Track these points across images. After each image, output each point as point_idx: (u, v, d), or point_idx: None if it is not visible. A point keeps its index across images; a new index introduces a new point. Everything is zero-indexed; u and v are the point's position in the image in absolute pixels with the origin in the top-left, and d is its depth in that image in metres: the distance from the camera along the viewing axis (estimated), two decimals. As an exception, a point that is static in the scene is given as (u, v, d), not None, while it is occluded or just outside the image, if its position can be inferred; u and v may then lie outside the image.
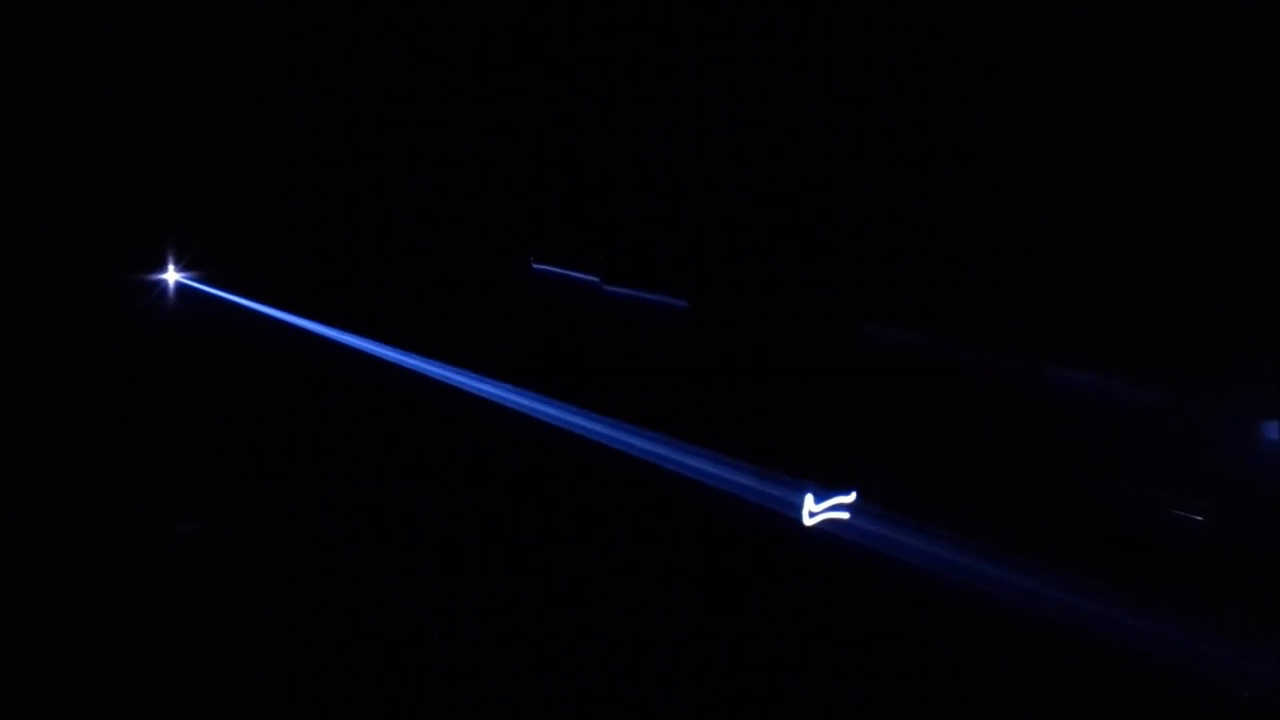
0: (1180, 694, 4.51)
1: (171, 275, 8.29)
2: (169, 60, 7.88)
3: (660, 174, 7.59)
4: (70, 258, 7.84)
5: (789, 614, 5.32)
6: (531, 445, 7.08)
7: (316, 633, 5.44)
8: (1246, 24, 4.93)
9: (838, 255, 6.86)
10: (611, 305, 7.86)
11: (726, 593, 5.58)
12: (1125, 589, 4.82)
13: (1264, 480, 4.92)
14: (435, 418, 7.51)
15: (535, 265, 8.22)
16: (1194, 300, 5.04)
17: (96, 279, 8.00)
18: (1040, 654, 4.75)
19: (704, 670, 5.08)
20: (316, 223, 8.29)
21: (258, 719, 4.93)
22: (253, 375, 7.95)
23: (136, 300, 8.19)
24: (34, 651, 5.26)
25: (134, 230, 8.15)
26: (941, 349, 6.20)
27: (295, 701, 4.97)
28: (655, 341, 7.59)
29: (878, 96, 6.58)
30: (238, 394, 7.77)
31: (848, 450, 6.19)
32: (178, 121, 7.97)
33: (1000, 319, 5.89)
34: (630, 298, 7.79)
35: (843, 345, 6.78)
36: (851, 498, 5.91)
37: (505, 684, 5.02)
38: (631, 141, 7.66)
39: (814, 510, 5.91)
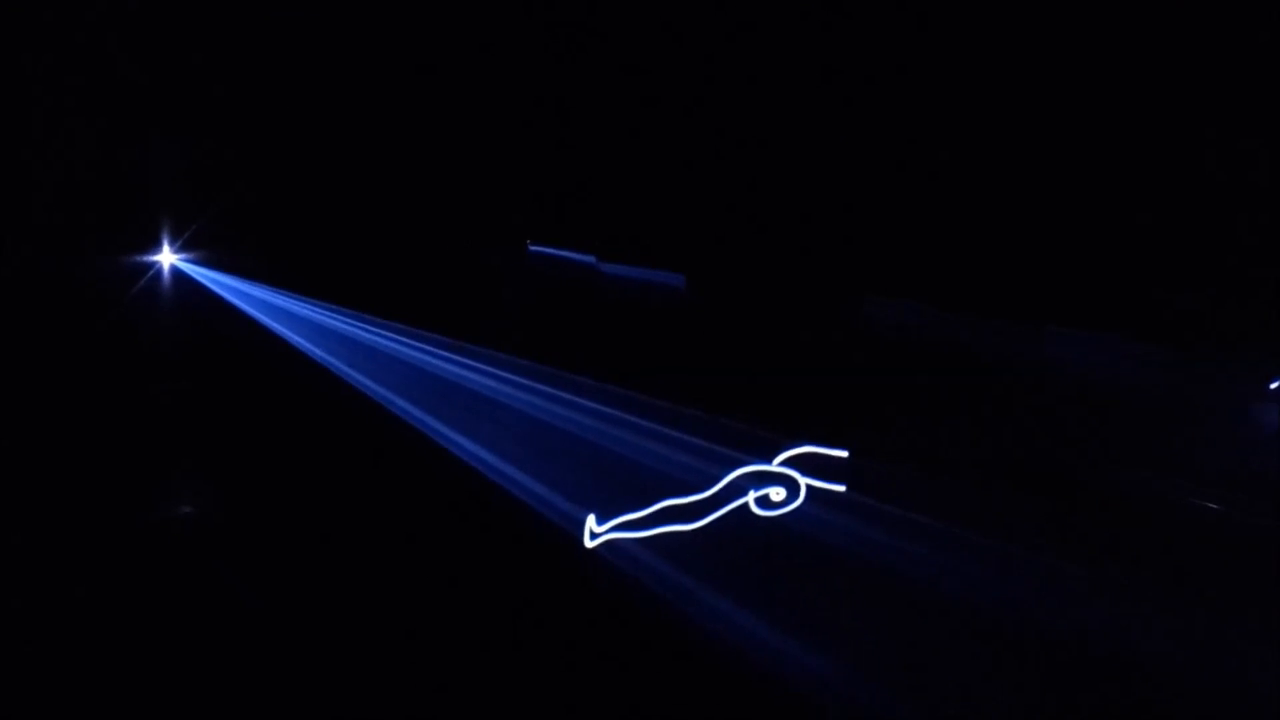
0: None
1: (167, 257, 7.71)
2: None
3: (654, 152, 7.83)
4: (52, 236, 7.27)
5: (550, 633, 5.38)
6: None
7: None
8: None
9: (834, 232, 7.14)
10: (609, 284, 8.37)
11: (491, 608, 5.59)
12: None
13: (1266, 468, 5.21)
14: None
15: (531, 246, 8.62)
16: (1197, 280, 5.55)
17: (80, 261, 7.39)
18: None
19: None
20: (313, 207, 8.28)
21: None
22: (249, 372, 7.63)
23: (124, 288, 7.56)
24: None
25: (126, 203, 7.59)
26: (940, 327, 6.61)
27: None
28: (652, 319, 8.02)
29: (867, 69, 6.83)
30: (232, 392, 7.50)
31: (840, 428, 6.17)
32: (180, 79, 7.55)
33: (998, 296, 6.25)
34: (628, 276, 8.33)
35: (841, 321, 7.14)
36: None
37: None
38: (623, 119, 7.88)
39: (596, 532, 5.81)
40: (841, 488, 5.79)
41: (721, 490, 5.83)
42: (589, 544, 5.76)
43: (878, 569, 5.58)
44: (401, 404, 7.34)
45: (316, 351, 7.84)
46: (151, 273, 7.71)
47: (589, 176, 8.23)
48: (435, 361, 7.77)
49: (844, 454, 5.86)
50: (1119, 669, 4.94)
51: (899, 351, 6.84)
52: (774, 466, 5.81)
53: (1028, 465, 5.85)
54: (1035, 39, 6.12)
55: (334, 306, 8.13)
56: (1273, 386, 5.39)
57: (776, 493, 5.79)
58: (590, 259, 8.39)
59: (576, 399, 7.11)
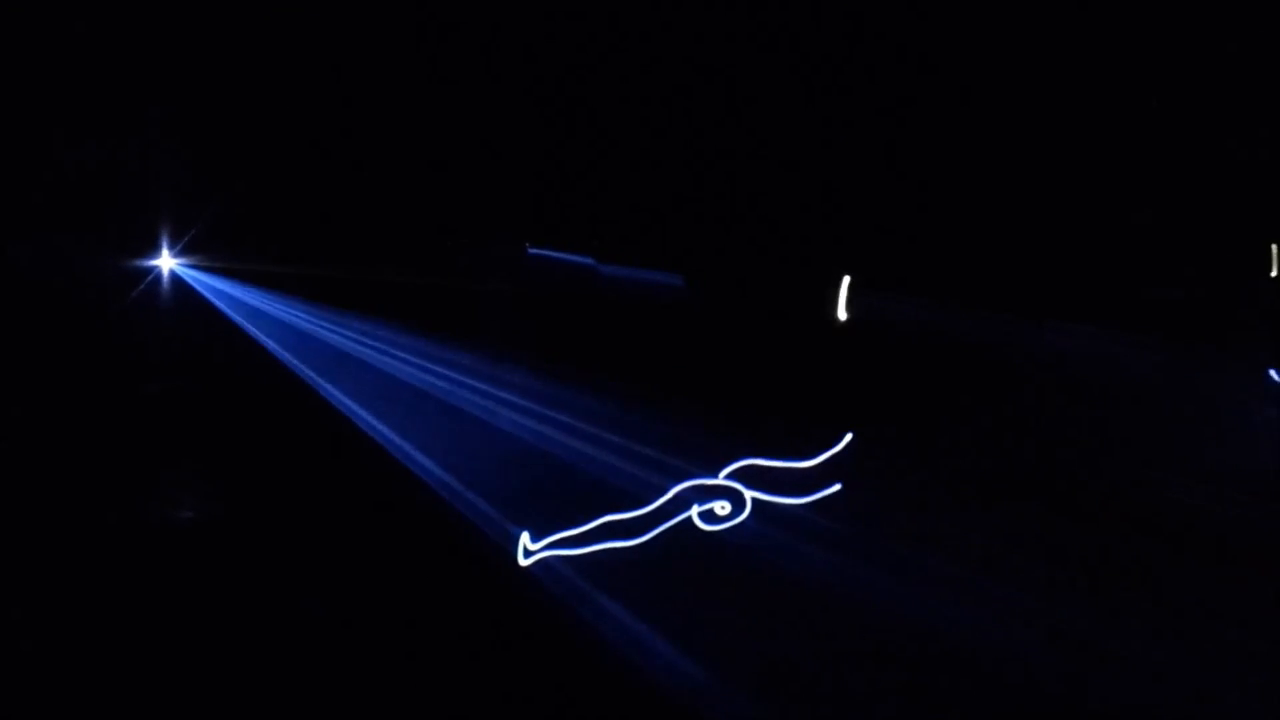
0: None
1: (166, 261, 7.41)
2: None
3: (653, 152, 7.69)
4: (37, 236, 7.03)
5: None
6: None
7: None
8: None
9: (834, 231, 7.04)
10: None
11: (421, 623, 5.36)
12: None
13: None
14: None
15: (531, 249, 8.39)
16: (1197, 277, 5.37)
17: (67, 265, 7.12)
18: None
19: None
20: (319, 208, 8.14)
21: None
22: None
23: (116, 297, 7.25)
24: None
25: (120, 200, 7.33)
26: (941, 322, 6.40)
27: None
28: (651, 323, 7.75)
29: (866, 69, 6.77)
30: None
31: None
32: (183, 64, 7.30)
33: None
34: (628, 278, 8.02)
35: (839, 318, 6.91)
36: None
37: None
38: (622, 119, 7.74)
39: (530, 549, 5.52)
40: (792, 500, 5.32)
41: (665, 505, 5.39)
42: (523, 562, 5.38)
43: (826, 590, 5.14)
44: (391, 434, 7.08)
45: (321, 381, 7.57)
46: (149, 278, 7.46)
47: (588, 177, 8.01)
48: (417, 371, 7.54)
49: (796, 465, 5.39)
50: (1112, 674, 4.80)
51: (898, 348, 6.54)
52: (720, 479, 5.37)
53: (1023, 462, 5.70)
54: (1036, 41, 6.10)
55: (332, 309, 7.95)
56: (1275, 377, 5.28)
57: (721, 507, 5.35)
58: (589, 260, 8.16)
59: (560, 406, 6.81)
